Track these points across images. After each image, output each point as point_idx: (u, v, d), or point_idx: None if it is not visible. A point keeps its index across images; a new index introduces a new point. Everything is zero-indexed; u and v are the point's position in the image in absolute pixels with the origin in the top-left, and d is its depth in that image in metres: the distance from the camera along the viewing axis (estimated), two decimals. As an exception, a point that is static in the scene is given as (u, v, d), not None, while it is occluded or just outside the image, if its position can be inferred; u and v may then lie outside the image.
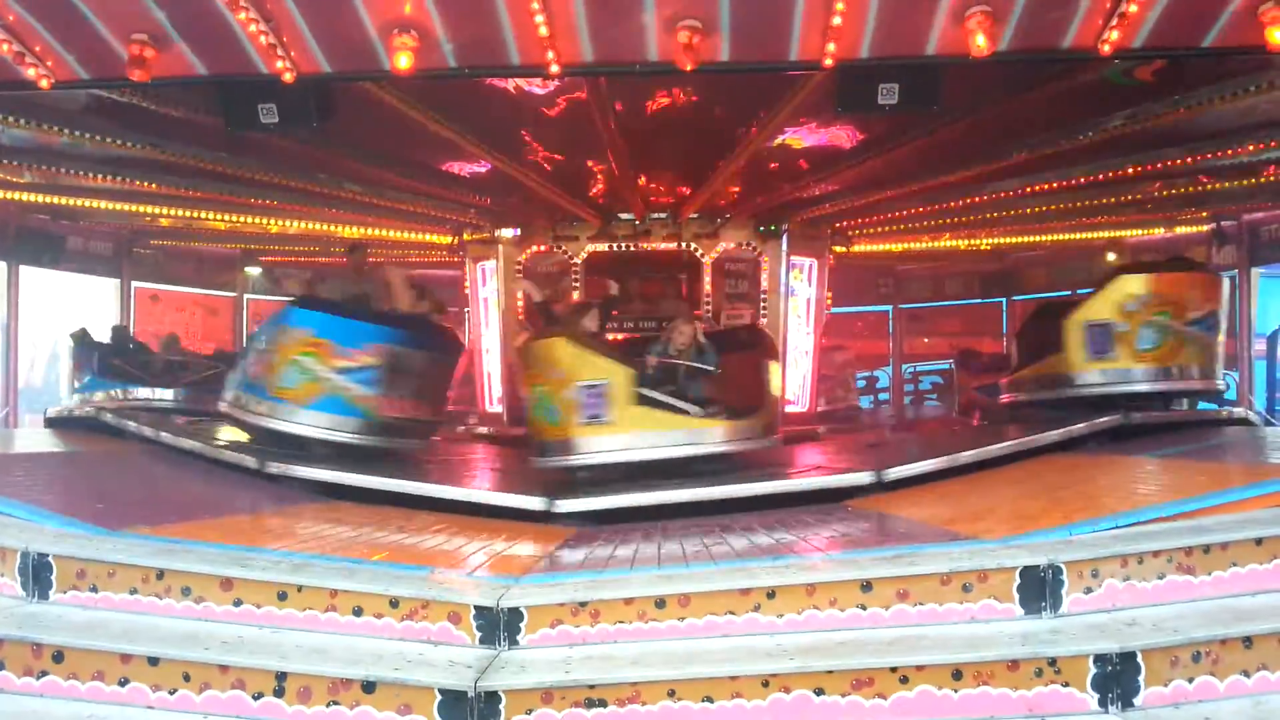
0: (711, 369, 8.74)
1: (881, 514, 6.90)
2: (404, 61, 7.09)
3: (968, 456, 8.13)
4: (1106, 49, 7.10)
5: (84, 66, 7.72)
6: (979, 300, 20.31)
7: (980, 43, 6.79)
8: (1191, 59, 7.92)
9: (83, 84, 8.01)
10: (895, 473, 7.77)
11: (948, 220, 14.16)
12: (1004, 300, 19.81)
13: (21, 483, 7.20)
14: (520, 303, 13.88)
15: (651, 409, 8.26)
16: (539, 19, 6.81)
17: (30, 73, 7.70)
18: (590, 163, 11.93)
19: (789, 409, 13.98)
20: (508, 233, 14.06)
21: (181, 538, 5.50)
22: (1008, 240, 16.04)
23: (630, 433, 8.22)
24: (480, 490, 8.06)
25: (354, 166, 11.76)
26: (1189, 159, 10.73)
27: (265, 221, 14.17)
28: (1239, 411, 10.89)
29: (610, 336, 11.33)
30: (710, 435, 8.46)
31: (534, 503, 7.53)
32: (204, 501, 7.56)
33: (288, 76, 7.48)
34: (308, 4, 6.95)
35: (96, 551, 5.06)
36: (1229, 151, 10.55)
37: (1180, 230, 15.29)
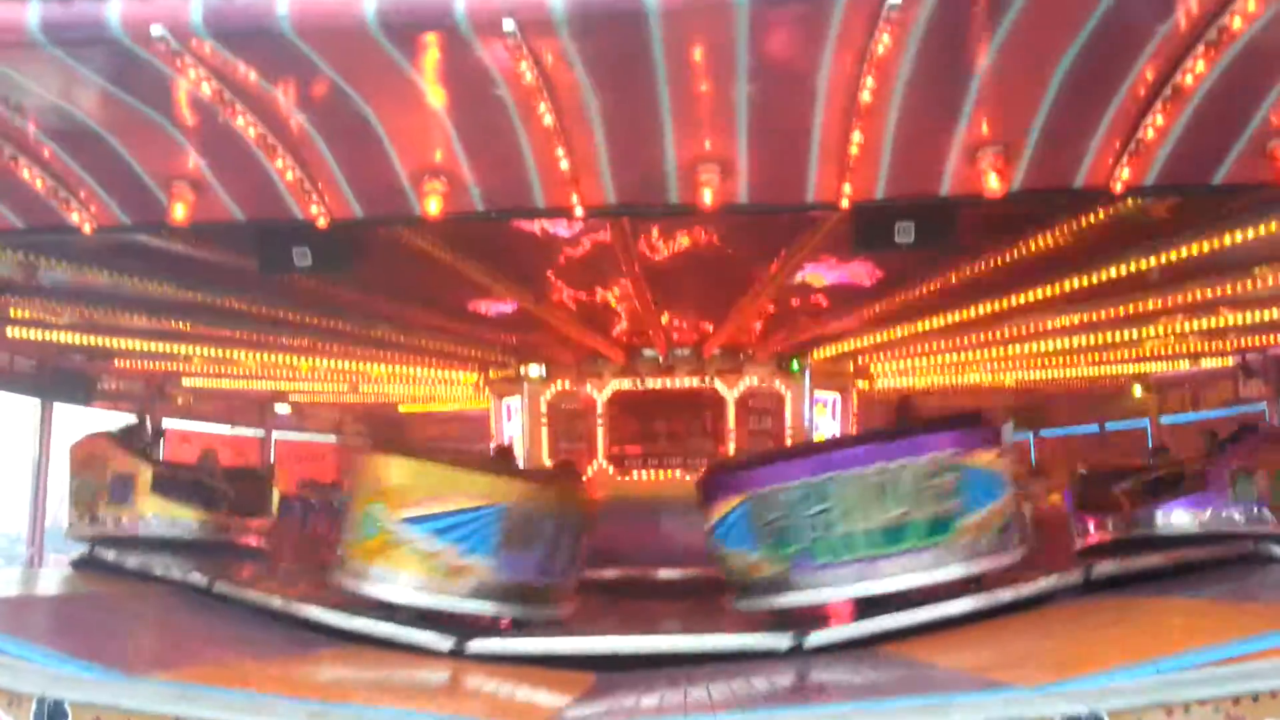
0: None
1: (913, 660, 6.68)
2: (434, 207, 7.31)
3: (1006, 595, 7.89)
4: (1118, 187, 7.23)
5: (125, 211, 8.01)
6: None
7: (993, 183, 6.93)
8: (1203, 196, 8.02)
9: (123, 228, 8.29)
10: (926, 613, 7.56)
11: (970, 355, 14.17)
12: (1030, 435, 19.61)
13: (41, 625, 7.14)
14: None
15: None
16: (563, 163, 7.03)
17: (74, 217, 8.00)
18: (614, 301, 12.14)
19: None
20: (533, 370, 14.19)
21: (201, 683, 5.39)
22: (1031, 375, 15.98)
23: None
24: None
25: (383, 306, 12.02)
26: (1211, 292, 10.75)
27: (296, 360, 14.41)
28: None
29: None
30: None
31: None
32: (226, 644, 7.46)
33: (321, 221, 7.72)
34: (343, 152, 7.22)
35: (113, 697, 4.96)
36: (1250, 284, 10.57)
37: (1205, 364, 15.20)
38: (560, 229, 10.07)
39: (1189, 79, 6.19)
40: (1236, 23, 5.65)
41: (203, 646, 7.38)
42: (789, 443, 13.81)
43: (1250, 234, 8.97)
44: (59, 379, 15.30)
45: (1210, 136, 6.87)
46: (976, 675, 5.66)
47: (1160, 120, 6.59)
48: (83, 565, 11.92)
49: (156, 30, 5.82)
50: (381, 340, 13.25)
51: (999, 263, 9.98)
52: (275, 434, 19.12)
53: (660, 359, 13.77)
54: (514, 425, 14.91)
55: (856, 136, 6.68)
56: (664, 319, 12.66)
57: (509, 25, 5.63)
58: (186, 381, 17.12)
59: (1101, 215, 8.79)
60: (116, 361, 15.54)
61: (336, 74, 6.36)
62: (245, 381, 17.34)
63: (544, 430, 14.21)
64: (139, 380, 16.55)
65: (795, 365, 13.74)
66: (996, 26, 5.82)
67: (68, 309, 11.95)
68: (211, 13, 5.80)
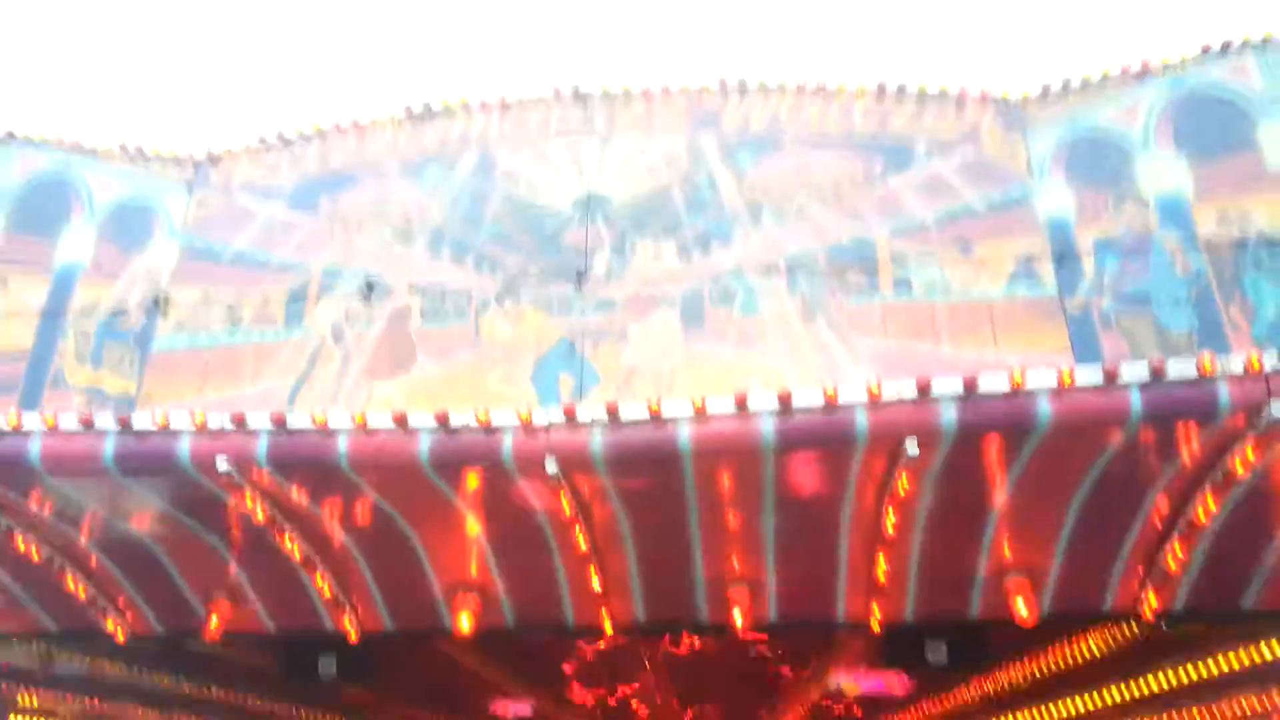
0: None
1: None
2: (465, 622, 7.32)
3: None
4: (1147, 612, 7.18)
5: (161, 621, 8.04)
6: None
7: (1022, 609, 6.91)
8: (1234, 622, 7.93)
9: (156, 637, 8.27)
10: None
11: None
12: None
13: None
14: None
15: None
16: (595, 583, 7.14)
17: (109, 624, 8.01)
18: (635, 700, 11.75)
19: None
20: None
21: None
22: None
23: None
24: None
25: (401, 708, 11.62)
26: (1259, 704, 10.31)
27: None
28: None
29: None
30: None
31: None
32: None
33: (352, 635, 7.72)
34: (381, 568, 7.38)
35: None
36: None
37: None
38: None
39: (1201, 514, 6.37)
40: (1239, 468, 5.92)
41: None
42: None
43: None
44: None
45: (1233, 565, 6.91)
46: None
47: (1180, 551, 6.68)
48: None
49: (222, 464, 6.22)
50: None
51: (1035, 673, 9.69)
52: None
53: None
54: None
55: (882, 563, 6.81)
56: (687, 718, 12.16)
57: (552, 466, 5.99)
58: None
59: (1137, 628, 8.65)
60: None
61: (383, 500, 6.69)
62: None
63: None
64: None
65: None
66: (1009, 468, 6.14)
67: (77, 700, 11.66)
68: (276, 448, 6.24)
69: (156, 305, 7.87)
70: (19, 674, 10.58)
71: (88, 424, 6.65)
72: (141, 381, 7.56)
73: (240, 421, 6.42)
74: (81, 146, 8.67)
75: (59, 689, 11.19)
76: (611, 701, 11.76)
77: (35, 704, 11.58)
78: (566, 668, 11.04)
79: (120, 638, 8.03)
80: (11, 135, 8.70)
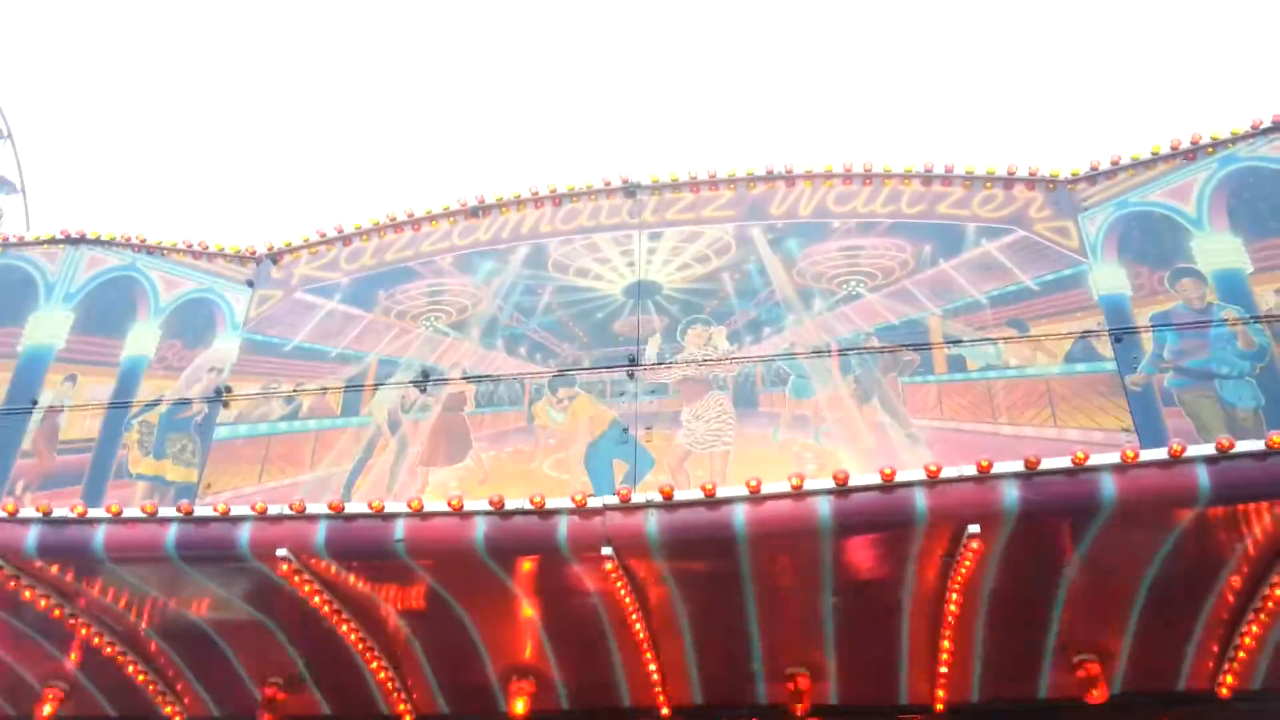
0: None
1: None
2: (520, 706, 7.29)
3: None
4: (1224, 692, 6.97)
5: (219, 705, 8.10)
6: None
7: (1092, 690, 6.74)
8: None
9: (211, 720, 8.32)
10: None
11: None
12: None
13: None
14: None
15: None
16: (651, 667, 7.07)
17: (167, 710, 8.08)
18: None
19: None
20: None
21: None
22: None
23: None
24: None
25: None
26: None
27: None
28: None
29: None
30: None
31: None
32: None
33: (407, 719, 7.70)
34: (436, 652, 7.39)
35: None
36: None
37: None
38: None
39: (1278, 591, 6.19)
40: (1311, 540, 5.76)
41: None
42: None
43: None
44: None
45: (1311, 643, 6.71)
46: None
47: (1256, 628, 6.49)
48: None
49: (281, 552, 6.31)
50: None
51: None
52: None
53: None
54: None
55: (946, 645, 6.68)
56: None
57: (607, 550, 6.00)
58: None
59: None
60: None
61: (439, 585, 6.73)
62: None
63: None
64: None
65: None
66: (1075, 548, 6.03)
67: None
68: (333, 535, 6.32)
69: (218, 395, 8.06)
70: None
71: (151, 513, 6.82)
72: (203, 470, 7.71)
73: (299, 509, 6.53)
74: (147, 244, 9.02)
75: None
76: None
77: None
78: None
79: (177, 721, 8.09)
80: (83, 236, 9.09)
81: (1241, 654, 6.71)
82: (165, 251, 8.99)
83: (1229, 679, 6.90)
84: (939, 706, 7.21)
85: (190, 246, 8.97)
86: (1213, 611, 6.59)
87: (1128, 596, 6.48)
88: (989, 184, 7.90)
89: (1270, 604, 6.32)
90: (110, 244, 9.10)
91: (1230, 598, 6.52)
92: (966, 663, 6.94)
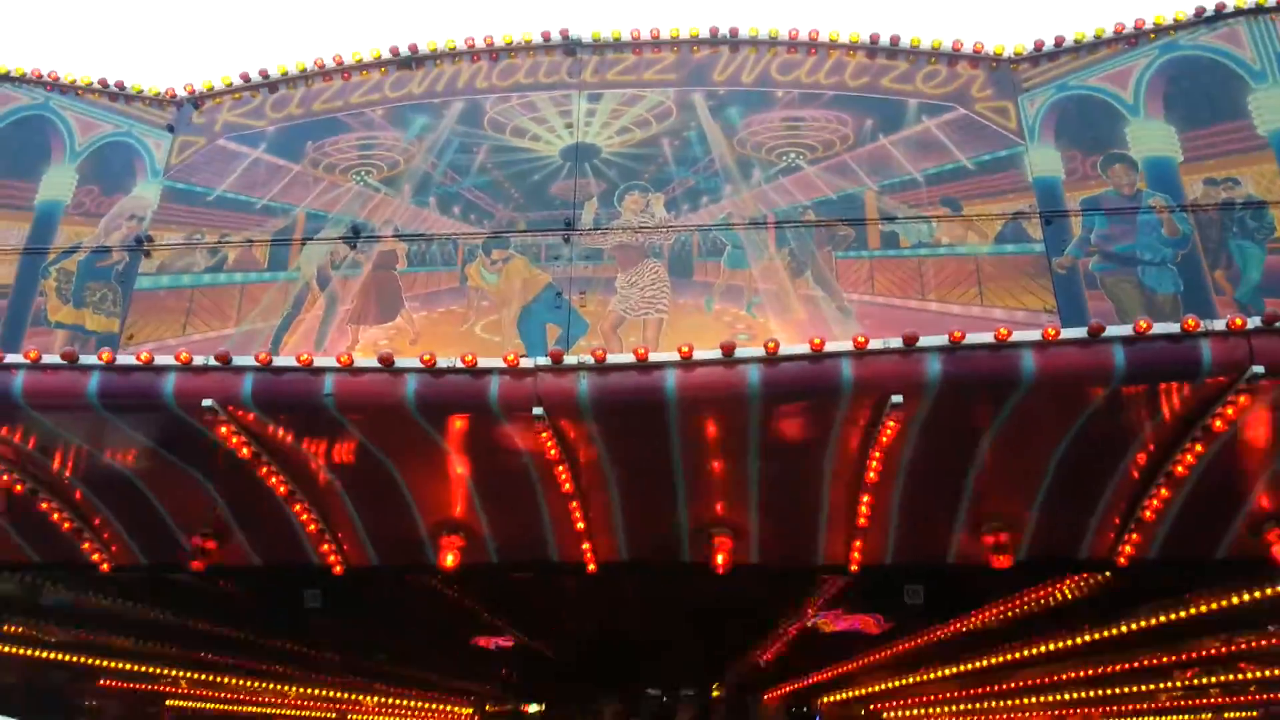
0: None
1: None
2: (450, 560, 7.44)
3: None
4: (1122, 560, 7.38)
5: (145, 554, 8.13)
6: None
7: (998, 557, 7.08)
8: (1207, 570, 8.14)
9: (141, 569, 8.36)
10: None
11: (984, 703, 13.75)
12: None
13: None
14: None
15: None
16: (579, 524, 7.25)
17: (93, 556, 8.09)
18: (619, 637, 11.95)
19: None
20: (532, 707, 13.75)
21: None
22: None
23: None
24: None
25: (381, 637, 11.82)
26: (1225, 648, 10.61)
27: (285, 687, 13.98)
28: None
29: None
30: None
31: None
32: None
33: (338, 569, 7.83)
34: (366, 507, 7.46)
35: None
36: (1263, 641, 10.45)
37: (1230, 716, 14.67)
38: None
39: (1180, 468, 6.50)
40: (1219, 423, 6.03)
41: None
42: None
43: (1257, 595, 8.99)
44: (39, 698, 14.77)
45: (1207, 517, 7.10)
46: None
47: (1157, 502, 6.84)
48: None
49: (207, 402, 6.24)
50: (376, 670, 12.93)
51: (1008, 615, 9.92)
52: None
53: (663, 699, 13.36)
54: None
55: (863, 509, 6.93)
56: (668, 656, 12.40)
57: (538, 410, 6.04)
58: (170, 703, 16.52)
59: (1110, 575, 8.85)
60: (101, 681, 15.08)
61: (368, 440, 6.74)
62: (231, 705, 16.74)
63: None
64: (123, 701, 15.95)
65: (804, 709, 13.31)
66: (992, 421, 6.23)
67: (61, 629, 11.78)
68: (260, 388, 6.26)
69: (139, 244, 7.80)
70: (6, 604, 10.69)
71: (71, 360, 6.65)
72: (124, 321, 7.52)
73: (225, 360, 6.43)
74: (60, 82, 8.53)
75: (45, 619, 11.32)
76: (595, 641, 11.94)
77: (20, 632, 11.73)
78: (550, 604, 11.16)
79: (104, 569, 8.11)
80: (-10, 71, 8.56)
81: (1141, 526, 7.08)
82: (80, 91, 8.52)
83: (1127, 548, 7.30)
84: (854, 567, 7.54)
85: (107, 86, 8.51)
86: (1117, 486, 6.92)
87: (1038, 469, 6.76)
88: (933, 59, 7.81)
89: (1171, 480, 6.64)
90: (20, 81, 8.59)
91: (1135, 473, 6.83)
92: (882, 527, 7.23)
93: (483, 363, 6.24)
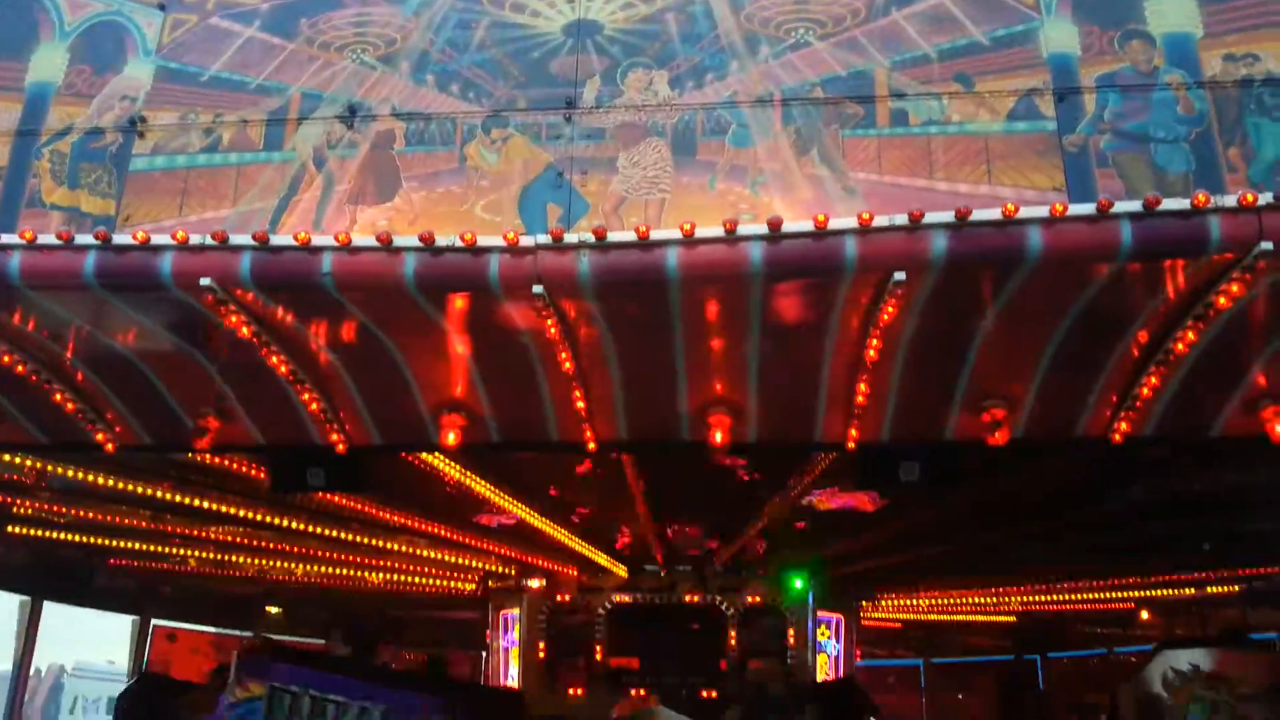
0: None
1: None
2: (452, 438, 7.52)
3: None
4: (1117, 438, 7.46)
5: (149, 434, 8.22)
6: (1013, 657, 19.73)
7: (995, 434, 7.16)
8: (1201, 447, 8.25)
9: (145, 448, 8.46)
10: None
11: (974, 580, 14.13)
12: (1038, 656, 19.24)
13: None
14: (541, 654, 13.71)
15: None
16: (579, 403, 7.30)
17: (98, 437, 8.19)
18: (617, 516, 12.19)
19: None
20: (533, 582, 14.11)
21: None
22: (1036, 600, 15.86)
23: None
24: None
25: (384, 515, 12.06)
26: (1214, 525, 10.86)
27: (292, 565, 14.33)
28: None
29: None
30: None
31: None
32: None
33: (340, 448, 7.92)
34: (367, 387, 7.51)
35: None
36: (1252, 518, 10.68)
37: (1212, 590, 15.10)
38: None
39: (1180, 345, 6.51)
40: (1223, 301, 6.01)
41: None
42: (790, 661, 13.61)
43: (1247, 476, 9.17)
44: (51, 576, 15.16)
45: (1204, 394, 7.16)
46: None
47: (1155, 380, 6.88)
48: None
49: (205, 281, 6.19)
50: (380, 548, 13.24)
51: (1001, 493, 10.11)
52: (265, 636, 18.70)
53: (661, 574, 13.72)
54: (509, 638, 14.69)
55: (862, 387, 6.97)
56: (668, 534, 12.69)
57: (538, 289, 6.00)
58: (180, 581, 16.97)
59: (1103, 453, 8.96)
60: (112, 560, 15.45)
61: (369, 320, 6.73)
62: (240, 582, 17.19)
63: (542, 642, 14.03)
64: (132, 579, 16.37)
65: (799, 585, 13.66)
66: (995, 298, 6.20)
67: (70, 508, 12.01)
68: (259, 267, 6.20)
69: (132, 125, 7.63)
70: (14, 486, 10.88)
71: (67, 239, 6.58)
72: (120, 202, 7.41)
73: (222, 239, 6.36)
74: (45, -44, 8.21)
75: (55, 500, 11.54)
76: (595, 519, 12.19)
77: (29, 512, 11.97)
78: (553, 489, 11.37)
79: (110, 449, 8.21)
80: (-32, -59, 8.23)
81: (1138, 404, 7.14)
82: (65, -36, 8.21)
83: (1123, 425, 7.38)
84: (850, 445, 7.63)
85: (92, -42, 8.20)
86: (1117, 364, 6.94)
87: (1038, 348, 6.77)
88: (948, -76, 7.50)
89: (1171, 357, 6.65)
90: (2, -46, 8.27)
91: (1135, 352, 6.84)
92: (880, 405, 7.28)
93: (482, 241, 6.16)
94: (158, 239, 6.46)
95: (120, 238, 6.58)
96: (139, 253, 6.39)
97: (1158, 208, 5.75)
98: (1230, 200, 5.74)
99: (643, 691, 12.12)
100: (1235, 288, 5.91)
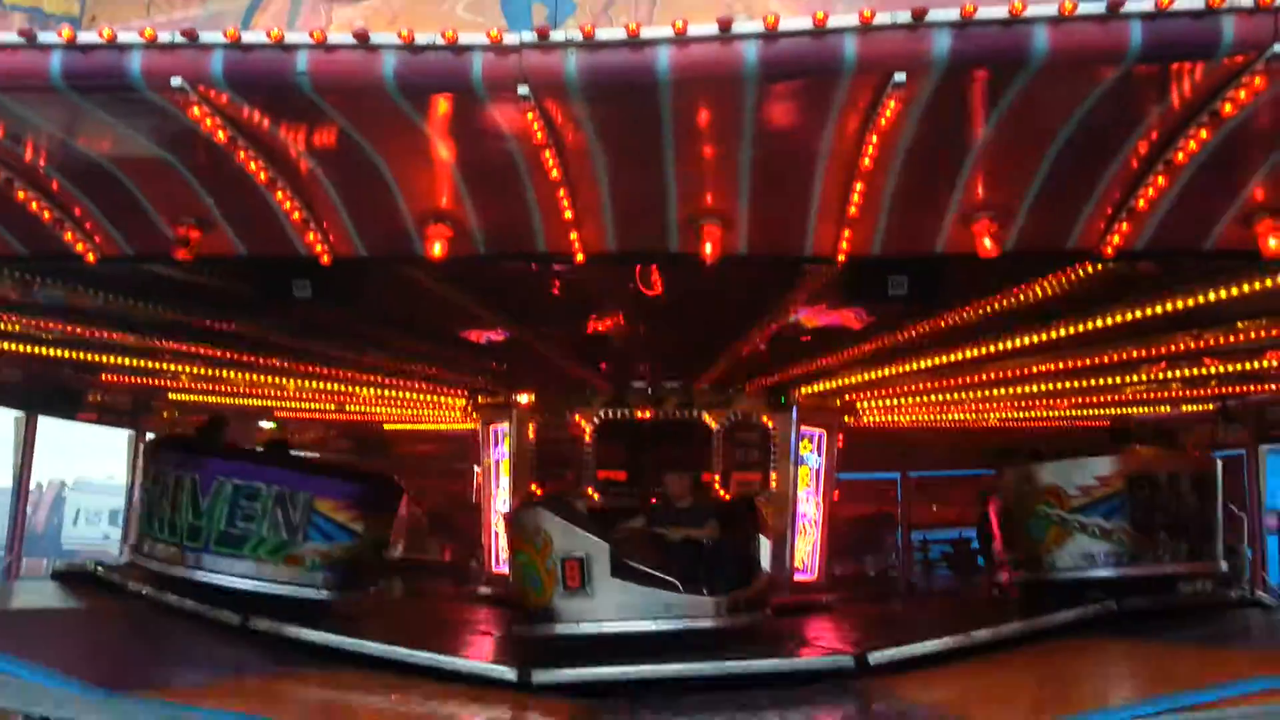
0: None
1: (895, 696, 6.86)
2: (437, 249, 7.41)
3: (976, 636, 8.11)
4: (1109, 251, 7.43)
5: (130, 244, 8.10)
6: (989, 471, 20.25)
7: (987, 245, 7.10)
8: (1193, 261, 8.23)
9: (127, 259, 8.34)
10: (880, 656, 7.75)
11: (955, 395, 14.38)
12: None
13: (25, 639, 7.06)
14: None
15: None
16: (567, 212, 7.17)
17: (78, 247, 8.05)
18: (605, 332, 12.24)
19: (798, 578, 13.96)
20: (521, 398, 14.30)
21: (188, 702, 5.44)
22: (1014, 415, 16.21)
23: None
24: (448, 656, 8.02)
25: (373, 330, 12.08)
26: (1195, 344, 10.97)
27: (283, 380, 14.44)
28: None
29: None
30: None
31: (506, 673, 7.55)
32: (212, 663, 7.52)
33: (325, 259, 7.82)
34: (350, 195, 7.33)
35: (98, 716, 5.01)
36: (1233, 337, 10.78)
37: (1187, 409, 15.43)
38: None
39: (1181, 155, 6.37)
40: (1229, 107, 5.84)
41: (188, 664, 7.43)
42: (773, 476, 14.01)
43: (1234, 291, 9.17)
44: (45, 392, 15.28)
45: (1200, 207, 7.08)
46: (956, 716, 5.85)
47: (1152, 191, 6.77)
48: (64, 578, 11.79)
49: (175, 81, 5.93)
50: (370, 364, 13.32)
51: (986, 310, 10.15)
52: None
53: (649, 390, 13.90)
54: (500, 451, 15.01)
55: (855, 197, 6.84)
56: (655, 350, 12.79)
57: (523, 89, 5.77)
58: (173, 396, 17.12)
59: (1090, 269, 8.95)
60: (104, 376, 15.53)
61: (349, 124, 6.49)
62: (232, 399, 17.37)
63: (532, 457, 14.35)
64: (126, 395, 16.52)
65: (783, 400, 13.89)
66: (996, 104, 6.01)
67: (58, 325, 11.95)
68: (231, 66, 5.93)
69: (91, -85, 7.13)
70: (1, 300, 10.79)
71: (29, 37, 6.24)
72: (85, 2, 7.01)
73: (192, 37, 6.04)
74: None
75: (40, 315, 11.46)
76: (582, 335, 12.23)
77: (17, 329, 11.92)
78: (541, 302, 11.34)
79: (91, 259, 8.09)
80: None
81: (1132, 215, 7.06)
82: None
83: (1116, 239, 7.33)
84: (841, 258, 7.57)
85: None
86: (1115, 174, 6.81)
87: (1037, 157, 6.62)
88: None
89: (1169, 168, 6.53)
90: None
91: (1134, 162, 6.70)
92: (873, 216, 7.18)
93: (464, 38, 5.87)
94: (125, 35, 6.13)
95: (86, 35, 6.24)
96: (106, 51, 6.07)
97: (1170, 7, 5.48)
98: (1247, 0, 5.48)
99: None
100: (1242, 93, 5.72)
